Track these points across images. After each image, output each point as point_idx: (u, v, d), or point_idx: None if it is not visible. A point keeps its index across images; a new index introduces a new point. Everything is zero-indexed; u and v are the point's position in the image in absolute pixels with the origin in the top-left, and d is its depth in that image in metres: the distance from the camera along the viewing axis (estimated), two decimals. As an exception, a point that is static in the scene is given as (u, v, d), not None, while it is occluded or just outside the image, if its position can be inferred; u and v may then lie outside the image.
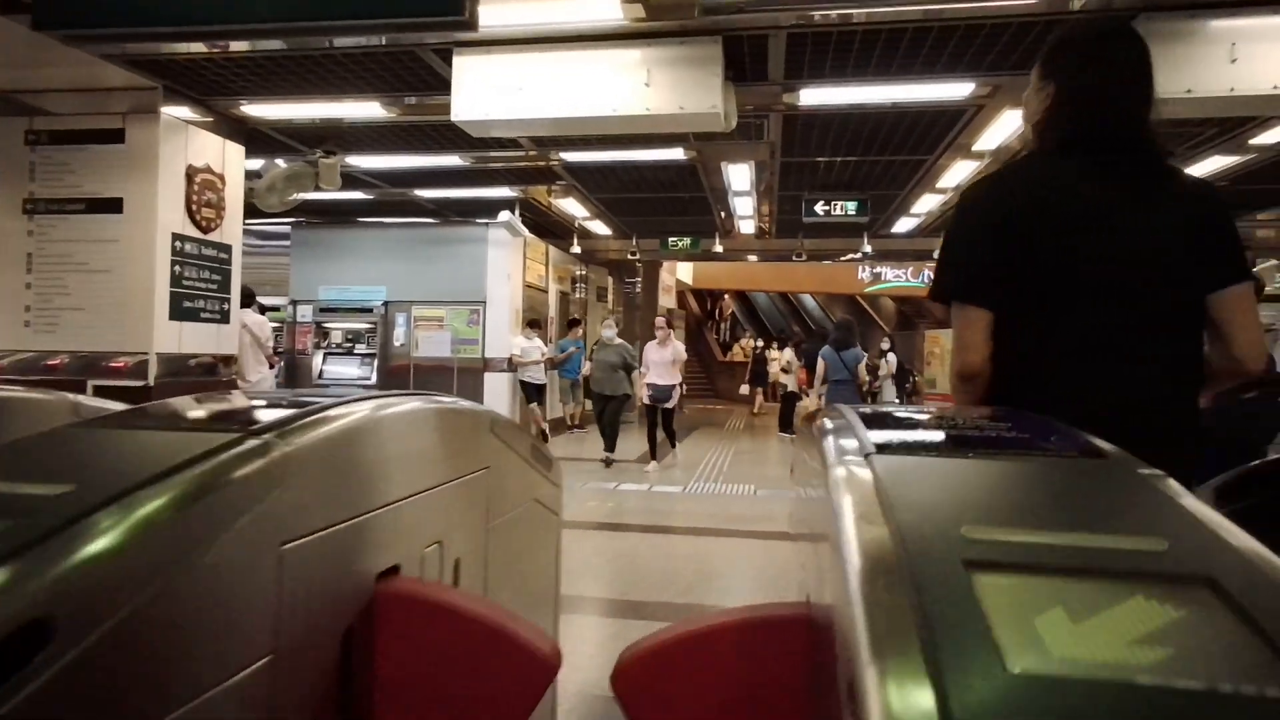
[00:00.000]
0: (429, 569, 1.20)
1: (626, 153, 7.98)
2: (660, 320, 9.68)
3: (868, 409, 1.06)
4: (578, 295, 15.30)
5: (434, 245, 11.35)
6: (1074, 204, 1.55)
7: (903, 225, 12.15)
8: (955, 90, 5.90)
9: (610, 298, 16.15)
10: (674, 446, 9.64)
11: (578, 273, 15.33)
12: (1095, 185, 1.55)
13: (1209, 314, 1.55)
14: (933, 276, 1.75)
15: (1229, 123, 6.66)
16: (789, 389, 13.28)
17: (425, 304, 11.24)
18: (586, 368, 9.89)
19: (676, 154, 8.00)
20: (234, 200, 6.78)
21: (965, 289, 1.61)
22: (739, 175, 8.88)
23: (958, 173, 8.58)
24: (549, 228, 13.17)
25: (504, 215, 10.37)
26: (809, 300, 28.48)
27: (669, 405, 9.30)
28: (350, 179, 9.43)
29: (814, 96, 6.09)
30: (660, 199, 10.75)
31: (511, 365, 11.08)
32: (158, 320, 5.89)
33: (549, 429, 11.38)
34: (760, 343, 19.90)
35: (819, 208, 9.32)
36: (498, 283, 11.16)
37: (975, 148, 7.58)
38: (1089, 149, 1.59)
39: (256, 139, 7.40)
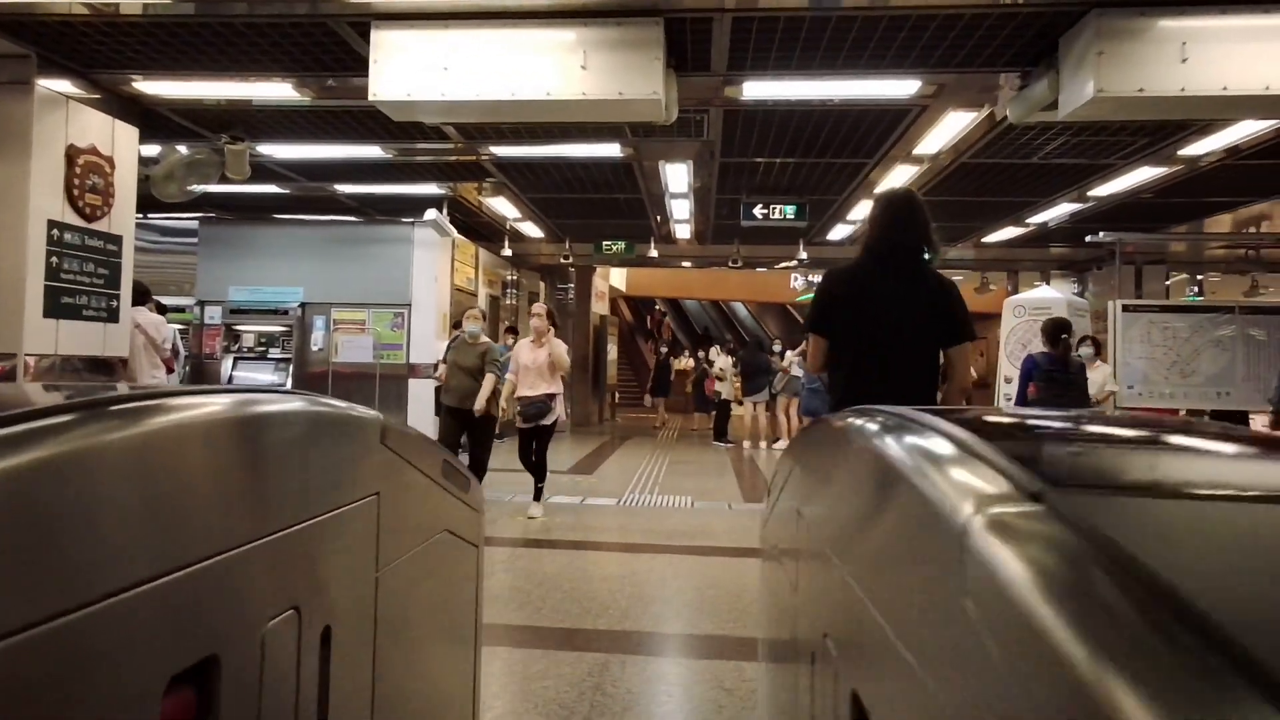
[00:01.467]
0: (275, 652, 0.82)
1: (561, 147, 7.61)
2: (538, 311, 6.99)
3: (932, 412, 0.73)
4: (509, 300, 14.82)
5: (356, 244, 10.74)
6: (870, 289, 2.84)
7: (838, 232, 12.10)
8: (900, 88, 5.73)
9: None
10: (539, 483, 6.77)
11: (509, 277, 14.84)
12: (882, 280, 2.85)
13: (945, 356, 2.88)
14: (808, 315, 3.08)
15: (1160, 132, 6.70)
16: (723, 396, 13.08)
17: (346, 306, 10.61)
18: (441, 370, 7.08)
19: (613, 150, 7.67)
20: (125, 187, 6.13)
21: (816, 326, 2.97)
22: (677, 176, 8.61)
23: (896, 177, 8.49)
24: (479, 229, 12.68)
25: (431, 214, 9.86)
26: (741, 308, 28.53)
27: (545, 422, 6.66)
28: (263, 170, 8.79)
29: (757, 90, 5.84)
30: (595, 201, 10.41)
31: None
32: (29, 317, 5.23)
33: (477, 438, 10.88)
34: (702, 352, 19.78)
35: (758, 210, 9.12)
36: (424, 285, 10.61)
37: (916, 151, 7.48)
38: (881, 260, 2.90)
39: (154, 122, 6.76)
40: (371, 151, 7.90)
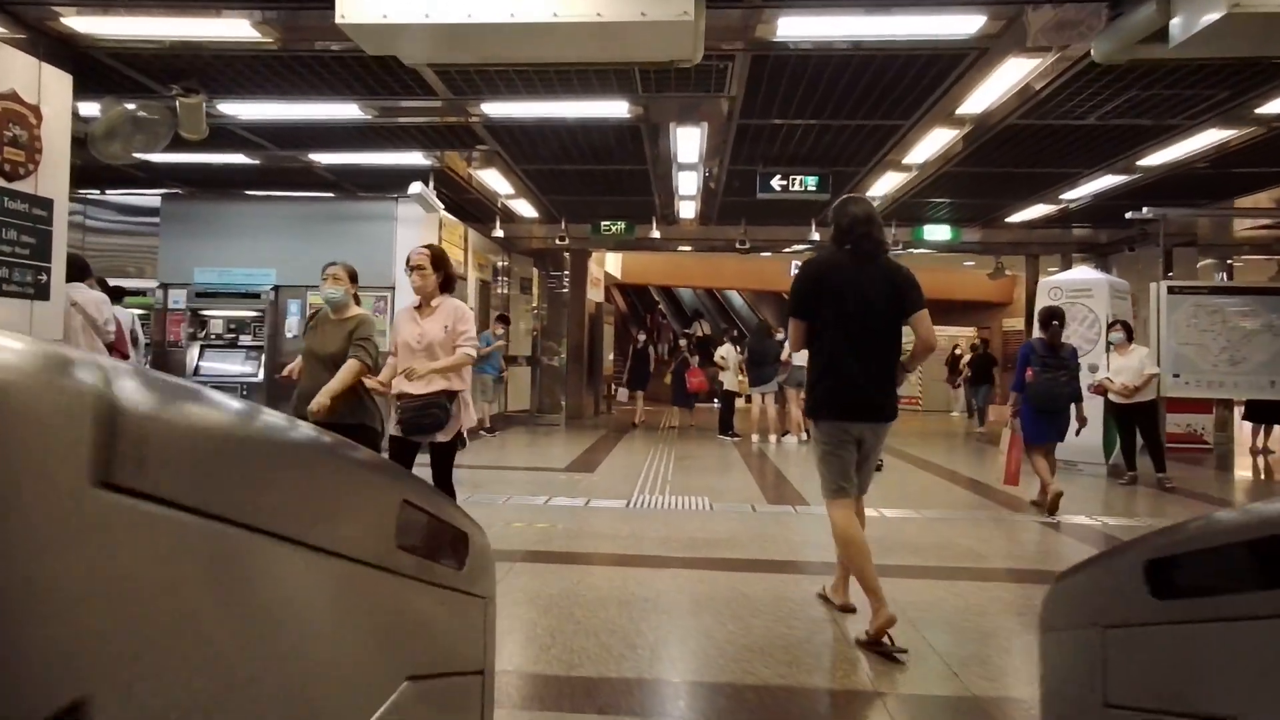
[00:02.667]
0: None
1: (561, 104, 6.76)
2: (418, 258, 4.34)
3: None
4: (500, 290, 13.95)
5: (334, 222, 9.85)
6: (844, 276, 3.46)
7: (854, 211, 11.29)
8: (961, 24, 4.92)
9: (535, 290, 14.84)
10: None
11: (500, 263, 13.97)
12: (853, 268, 3.47)
13: (910, 324, 3.47)
14: (788, 302, 3.76)
15: (1246, 84, 5.92)
16: (725, 387, 12.26)
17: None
18: (293, 367, 4.85)
19: (619, 110, 6.83)
20: (56, 143, 5.23)
21: (798, 311, 3.58)
22: (688, 143, 7.77)
23: (929, 145, 7.69)
24: (468, 207, 11.81)
25: (415, 187, 8.99)
26: (736, 297, 27.74)
27: (441, 438, 4.33)
28: (226, 135, 7.90)
29: (793, 26, 5.01)
30: (595, 174, 9.56)
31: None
32: (-71, 290, 4.36)
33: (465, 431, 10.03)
34: (683, 340, 18.94)
35: (775, 182, 8.31)
36: (408, 266, 9.73)
37: (959, 111, 6.67)
38: (852, 251, 3.49)
39: (93, 70, 5.88)
40: (348, 111, 7.02)
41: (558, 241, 12.20)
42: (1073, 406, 6.36)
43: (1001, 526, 5.92)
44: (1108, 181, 9.01)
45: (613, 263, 19.29)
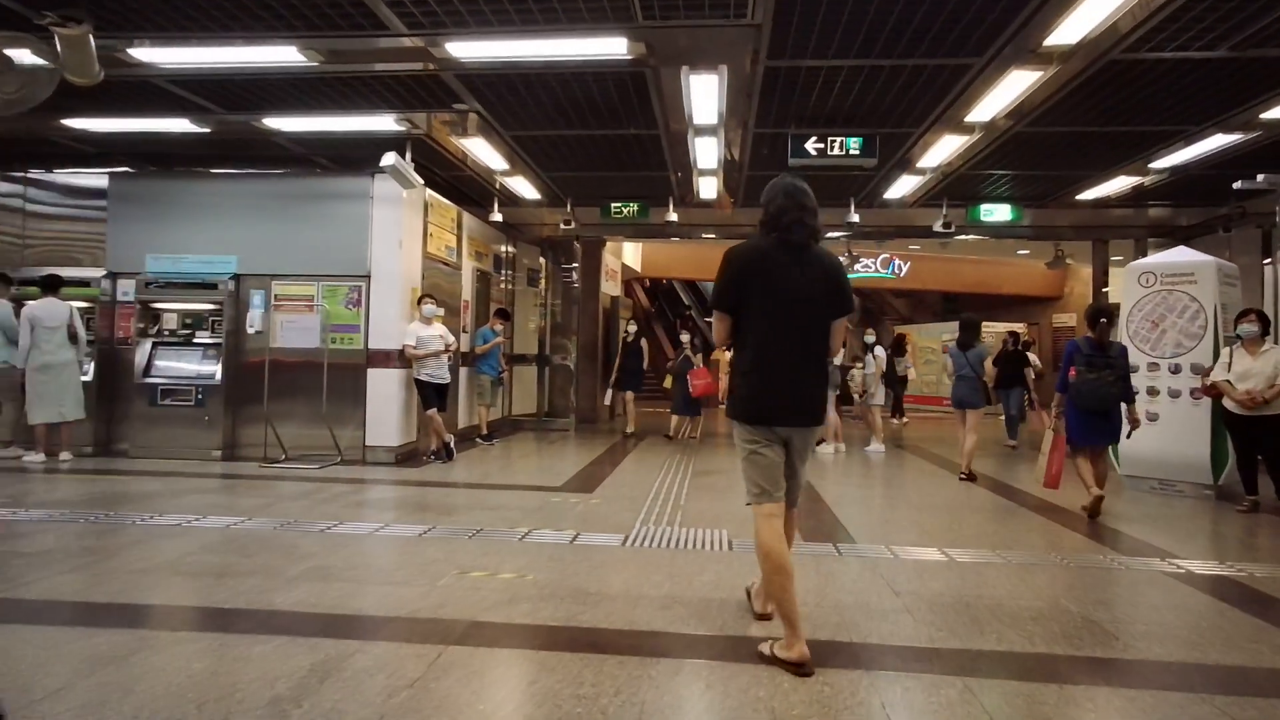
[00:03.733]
0: None
1: (544, 42, 5.44)
2: None
3: None
4: (504, 282, 12.69)
5: (302, 202, 8.63)
6: (767, 265, 3.13)
7: (899, 187, 9.84)
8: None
9: (544, 282, 13.56)
10: None
11: (504, 250, 12.71)
12: (783, 258, 3.14)
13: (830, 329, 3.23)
14: (711, 294, 3.32)
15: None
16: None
17: (289, 278, 8.52)
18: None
19: (617, 47, 5.49)
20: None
21: (722, 304, 3.20)
22: (704, 95, 6.40)
23: (1003, 94, 6.25)
24: (463, 188, 10.56)
25: (389, 158, 7.74)
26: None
27: None
28: (160, 95, 6.70)
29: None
30: (597, 141, 8.23)
31: (405, 359, 8.46)
32: None
33: (453, 441, 8.77)
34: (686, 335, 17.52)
35: (811, 145, 6.92)
36: (386, 252, 8.50)
37: (1049, 42, 5.23)
38: (782, 239, 3.14)
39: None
40: (288, 55, 5.76)
41: (563, 226, 10.89)
42: (1124, 408, 6.15)
43: (1107, 575, 4.49)
44: (1214, 143, 7.48)
45: (631, 254, 17.95)
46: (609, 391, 12.45)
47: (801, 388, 3.15)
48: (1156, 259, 7.87)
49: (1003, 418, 11.76)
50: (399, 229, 8.51)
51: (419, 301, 8.63)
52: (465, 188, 10.49)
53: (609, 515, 5.90)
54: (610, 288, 15.64)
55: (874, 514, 6.34)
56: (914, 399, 18.93)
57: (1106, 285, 12.37)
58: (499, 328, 10.74)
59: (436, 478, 7.60)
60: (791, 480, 3.28)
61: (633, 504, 6.33)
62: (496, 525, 5.42)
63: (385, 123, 7.46)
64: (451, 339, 8.81)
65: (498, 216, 10.82)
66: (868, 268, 21.16)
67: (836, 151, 6.89)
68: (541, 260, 13.61)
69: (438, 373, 8.55)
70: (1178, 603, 4.02)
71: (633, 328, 11.88)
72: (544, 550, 4.79)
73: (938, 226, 10.17)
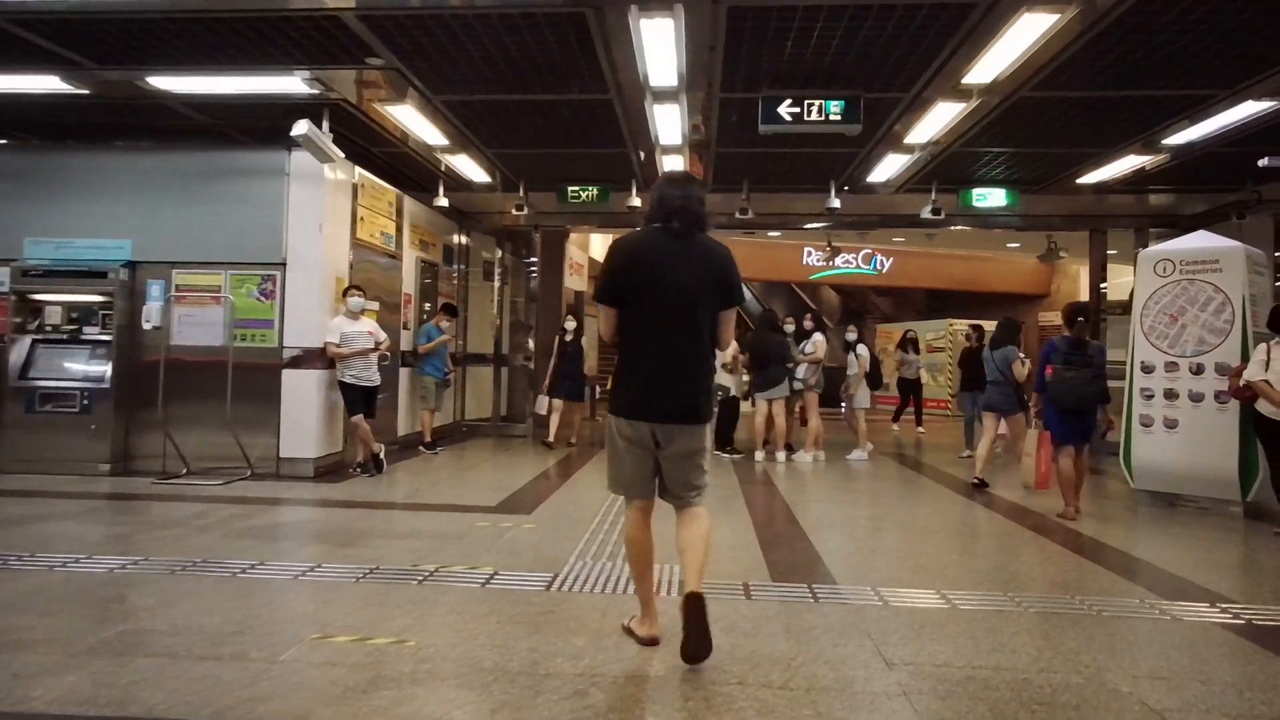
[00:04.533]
0: None
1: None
2: None
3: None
4: (456, 277, 11.66)
5: (207, 179, 7.55)
6: (649, 255, 3.02)
7: (884, 168, 8.91)
8: None
9: (499, 277, 12.50)
10: None
11: (457, 241, 11.67)
12: (668, 248, 3.03)
13: (718, 319, 3.12)
14: (595, 287, 3.27)
15: None
16: (731, 393, 9.92)
17: (192, 266, 7.44)
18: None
19: (545, -25, 4.48)
20: None
21: (607, 297, 3.07)
22: (658, 45, 5.42)
23: (1008, 48, 5.32)
24: (404, 169, 9.52)
25: (301, 126, 6.70)
26: (745, 291, 25.36)
27: None
28: (11, 42, 5.62)
29: None
30: (541, 109, 7.23)
31: (328, 359, 7.42)
32: None
33: (383, 451, 7.71)
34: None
35: (784, 109, 5.95)
36: (305, 237, 7.45)
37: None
38: (666, 228, 3.05)
39: None
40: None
41: (515, 211, 9.85)
42: (1099, 408, 6.17)
43: (1153, 631, 3.55)
44: (1242, 113, 6.59)
45: (599, 247, 16.95)
46: (544, 399, 10.16)
47: (677, 383, 3.03)
48: (1175, 244, 6.98)
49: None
50: (320, 210, 7.46)
51: (345, 294, 7.58)
52: (407, 169, 9.45)
53: (541, 546, 4.90)
54: (575, 282, 14.64)
55: (858, 541, 5.39)
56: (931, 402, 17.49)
57: (1105, 280, 11.50)
58: (445, 325, 9.70)
59: (357, 495, 6.57)
60: (673, 481, 3.10)
61: (573, 529, 5.34)
62: (399, 561, 4.41)
63: (293, 84, 6.41)
64: (383, 336, 7.78)
65: (444, 201, 9.78)
66: (849, 263, 20.28)
67: (815, 116, 5.93)
68: (499, 251, 12.57)
69: (365, 374, 7.50)
70: (1257, 673, 3.07)
71: (571, 324, 10.12)
72: (445, 598, 3.78)
73: (926, 213, 9.26)
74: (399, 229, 9.38)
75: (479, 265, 12.54)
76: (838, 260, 20.08)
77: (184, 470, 7.19)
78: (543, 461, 8.89)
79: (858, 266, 20.45)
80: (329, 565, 4.30)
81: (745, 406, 10.40)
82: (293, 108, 6.89)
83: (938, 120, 6.96)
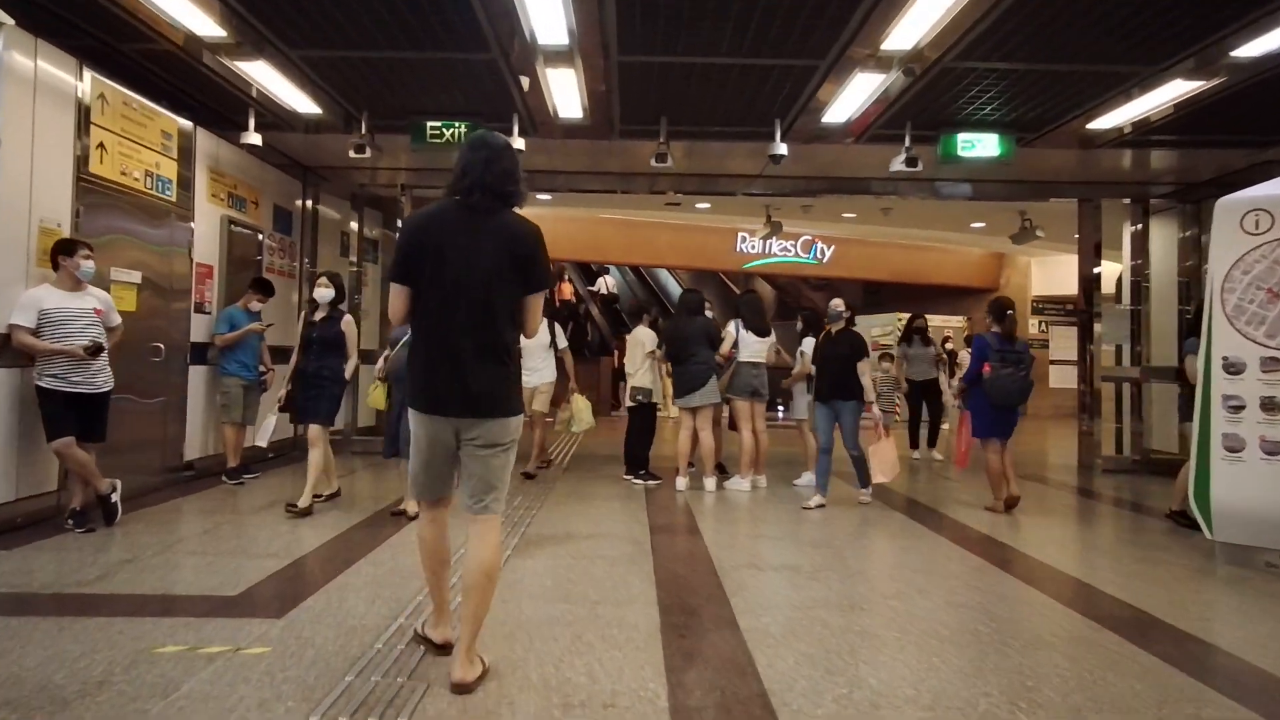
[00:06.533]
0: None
1: None
2: None
3: None
4: (295, 247, 9.02)
5: None
6: (442, 232, 2.71)
7: (846, 102, 6.67)
8: None
9: (357, 249, 9.88)
10: None
11: (299, 205, 9.02)
12: (465, 224, 2.71)
13: (520, 306, 2.76)
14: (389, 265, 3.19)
15: None
16: (636, 395, 7.54)
17: None
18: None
19: None
20: None
21: (397, 275, 2.75)
22: None
23: None
24: (195, 92, 6.83)
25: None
26: (670, 281, 23.16)
27: None
28: None
29: None
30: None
31: (17, 351, 4.79)
32: None
33: (117, 492, 5.08)
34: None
35: None
36: (-16, 161, 4.80)
37: None
38: (464, 202, 2.73)
39: None
40: None
41: (353, 154, 7.23)
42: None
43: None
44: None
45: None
46: (269, 421, 6.45)
47: (471, 373, 2.67)
48: (1257, 191, 4.90)
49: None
50: (10, 116, 4.81)
51: (57, 252, 4.95)
52: (201, 92, 6.78)
53: (252, 705, 2.42)
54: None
55: (818, 645, 3.06)
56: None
57: (1099, 264, 9.57)
58: (256, 307, 7.09)
59: (33, 570, 3.98)
60: (471, 480, 2.75)
61: (346, 642, 2.92)
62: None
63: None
64: (116, 319, 5.19)
65: (254, 139, 7.12)
66: (787, 251, 18.17)
67: None
68: (354, 218, 9.95)
69: (78, 376, 4.88)
70: None
71: (326, 291, 5.95)
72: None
73: (898, 164, 7.07)
74: (188, 174, 6.74)
75: (335, 238, 9.92)
76: (775, 248, 17.95)
77: None
78: (391, 490, 6.38)
79: (797, 255, 18.38)
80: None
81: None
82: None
83: (925, 16, 4.71)
